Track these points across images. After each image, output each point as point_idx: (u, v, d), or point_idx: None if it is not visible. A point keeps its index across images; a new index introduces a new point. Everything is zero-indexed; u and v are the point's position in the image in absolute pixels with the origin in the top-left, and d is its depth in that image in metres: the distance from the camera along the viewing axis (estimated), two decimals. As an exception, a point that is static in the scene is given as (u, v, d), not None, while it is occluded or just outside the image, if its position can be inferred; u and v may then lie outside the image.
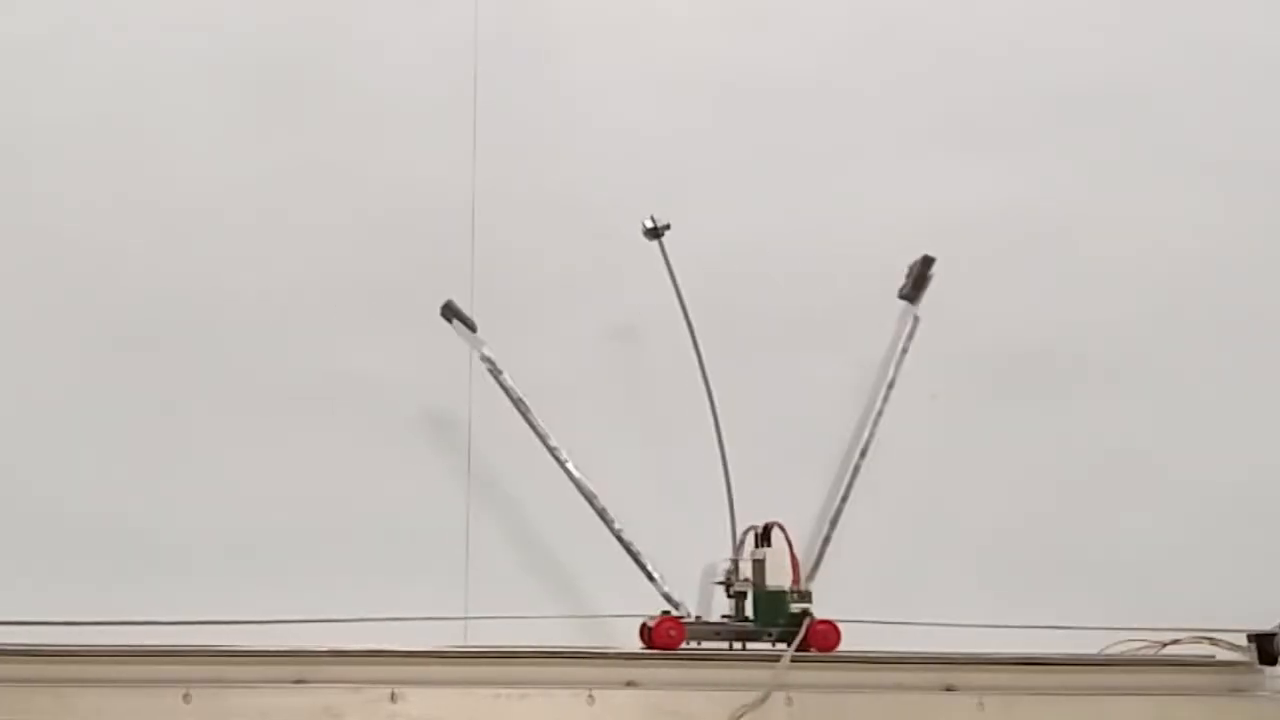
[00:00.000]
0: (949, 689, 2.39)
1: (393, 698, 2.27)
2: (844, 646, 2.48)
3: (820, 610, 2.52)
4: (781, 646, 2.43)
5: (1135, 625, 2.59)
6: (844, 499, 2.64)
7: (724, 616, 2.53)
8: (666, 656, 2.41)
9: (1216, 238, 3.04)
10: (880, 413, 2.71)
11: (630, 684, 2.32)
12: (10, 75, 2.89)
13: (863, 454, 2.69)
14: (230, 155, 2.90)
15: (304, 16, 2.96)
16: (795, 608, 2.49)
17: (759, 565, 2.53)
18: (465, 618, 2.56)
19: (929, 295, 2.93)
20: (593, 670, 2.32)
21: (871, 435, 2.69)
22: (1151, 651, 2.56)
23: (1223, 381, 2.99)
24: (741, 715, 2.28)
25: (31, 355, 2.79)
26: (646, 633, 2.46)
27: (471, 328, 2.63)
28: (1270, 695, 2.46)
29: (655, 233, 2.65)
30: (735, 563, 2.54)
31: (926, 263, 2.71)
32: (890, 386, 2.73)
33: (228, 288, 2.78)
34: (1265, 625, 2.49)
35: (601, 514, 2.54)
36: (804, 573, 2.54)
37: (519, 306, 2.84)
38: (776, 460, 2.81)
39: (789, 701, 2.33)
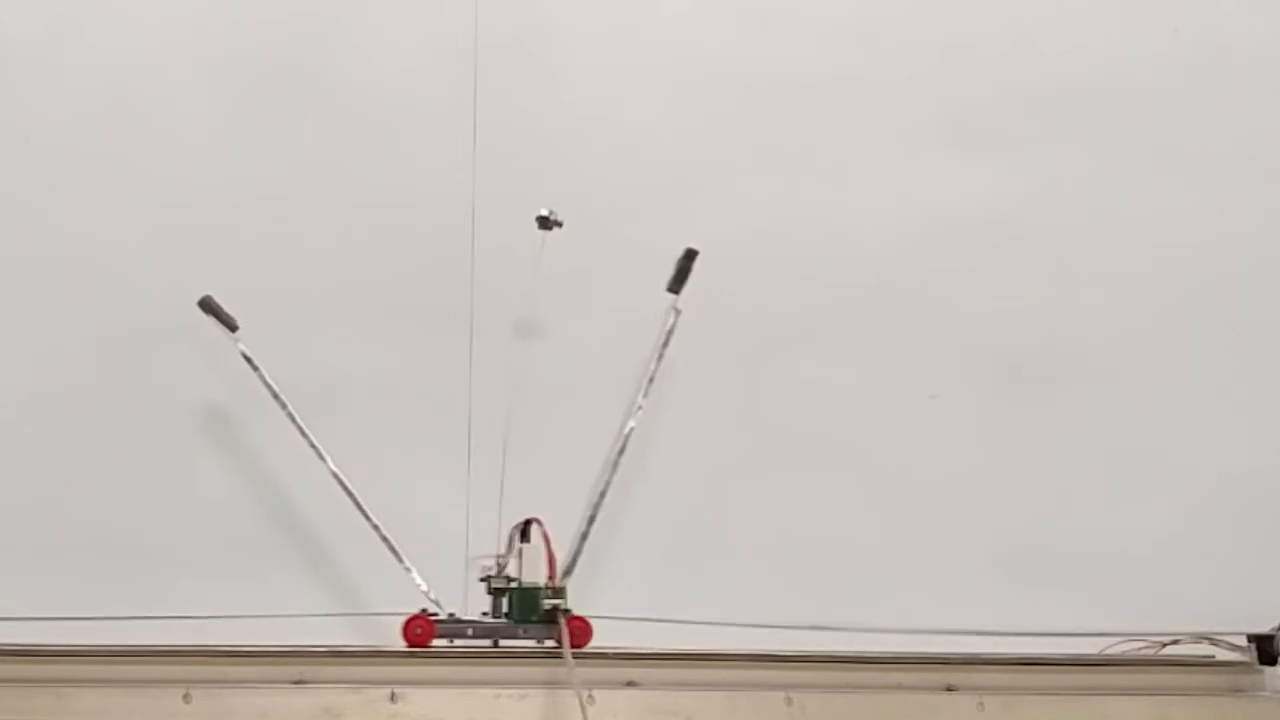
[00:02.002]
0: (949, 689, 2.38)
1: (393, 698, 2.26)
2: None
3: (825, 618, 2.53)
4: (550, 644, 2.39)
5: (1135, 625, 2.58)
6: (602, 494, 2.55)
7: (483, 613, 2.47)
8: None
9: (1217, 237, 3.04)
10: (640, 407, 2.62)
11: (630, 684, 2.32)
12: (10, 75, 2.90)
13: (621, 451, 2.59)
14: (230, 155, 2.90)
15: (304, 16, 2.96)
16: (548, 604, 2.43)
17: (518, 562, 2.47)
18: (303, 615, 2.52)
19: (929, 295, 2.94)
20: (593, 670, 2.31)
21: (631, 431, 2.60)
22: (1151, 652, 2.56)
23: (1223, 381, 2.99)
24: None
25: (31, 354, 2.80)
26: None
27: (232, 328, 2.61)
28: (1270, 695, 2.46)
29: (547, 224, 2.64)
30: (498, 560, 2.49)
31: (689, 255, 2.65)
32: (651, 381, 2.63)
33: (227, 287, 2.77)
34: (1265, 625, 2.49)
35: (362, 510, 2.53)
36: (560, 569, 2.47)
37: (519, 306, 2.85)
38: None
39: (789, 701, 2.33)
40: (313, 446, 2.57)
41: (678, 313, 2.64)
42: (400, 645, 2.41)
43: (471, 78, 2.93)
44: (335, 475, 2.56)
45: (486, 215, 2.88)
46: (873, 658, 2.43)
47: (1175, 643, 2.54)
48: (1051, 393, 2.97)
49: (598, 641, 2.40)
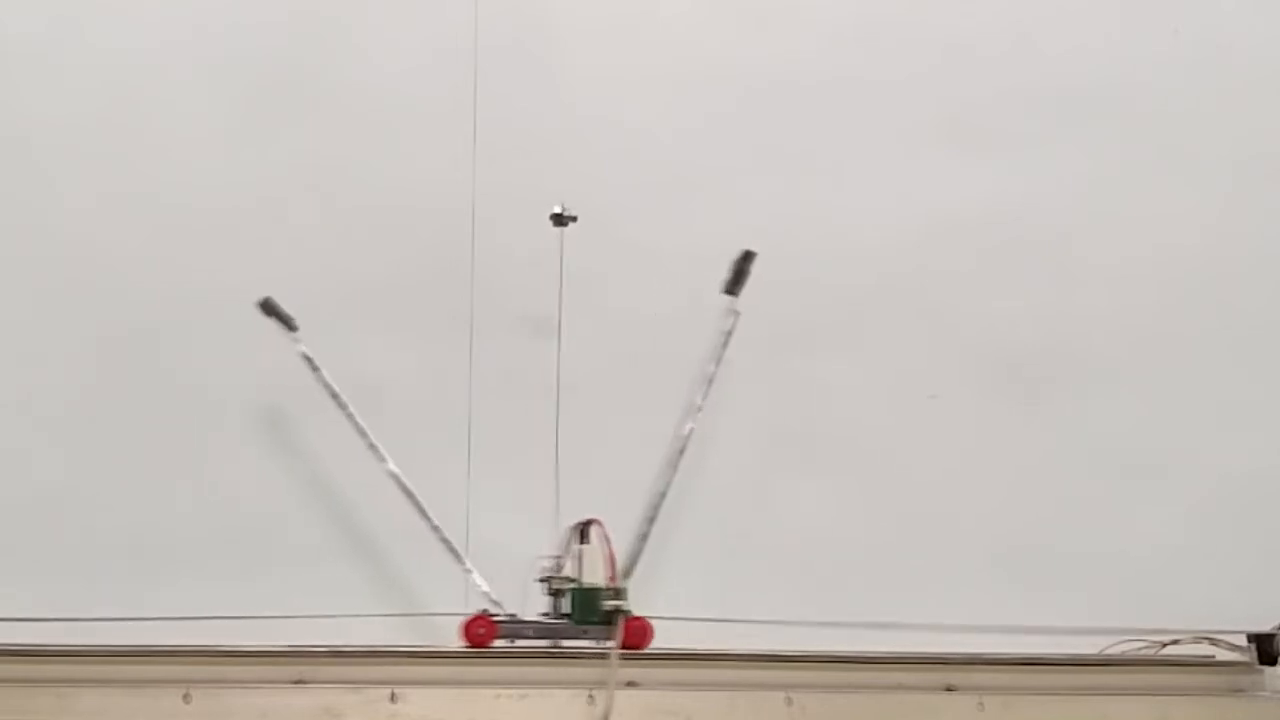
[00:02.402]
0: (949, 689, 2.38)
1: (393, 698, 2.26)
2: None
3: (814, 613, 2.53)
4: (610, 644, 2.38)
5: (1135, 625, 2.59)
6: (663, 495, 2.56)
7: (542, 614, 2.47)
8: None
9: (1217, 237, 3.04)
10: (700, 408, 2.61)
11: (630, 684, 2.32)
12: (10, 75, 2.90)
13: (681, 451, 2.59)
14: (230, 155, 2.90)
15: (304, 16, 2.96)
16: (608, 605, 2.42)
17: (578, 563, 2.47)
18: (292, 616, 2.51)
19: (929, 295, 2.94)
20: (593, 670, 2.31)
21: (691, 431, 2.60)
22: (1151, 652, 2.56)
23: (1223, 381, 2.99)
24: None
25: (32, 354, 2.80)
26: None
27: (291, 327, 2.60)
28: (1270, 695, 2.46)
29: (561, 220, 2.63)
30: (557, 561, 2.49)
31: (747, 257, 2.65)
32: (710, 383, 2.62)
33: (227, 287, 2.78)
34: (1265, 625, 2.49)
35: (422, 511, 2.53)
36: (620, 570, 2.46)
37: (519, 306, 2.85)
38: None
39: (789, 701, 2.33)
40: (372, 447, 2.54)
41: (736, 314, 2.62)
42: (459, 645, 2.40)
43: (471, 78, 2.93)
44: (395, 476, 2.54)
45: (486, 215, 2.88)
46: (873, 658, 2.43)
47: (1175, 643, 2.54)
48: (1051, 393, 2.97)
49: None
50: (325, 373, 2.57)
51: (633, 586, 2.45)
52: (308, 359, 2.57)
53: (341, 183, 2.91)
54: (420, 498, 2.53)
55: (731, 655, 2.43)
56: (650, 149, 2.98)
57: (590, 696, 2.27)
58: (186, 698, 2.23)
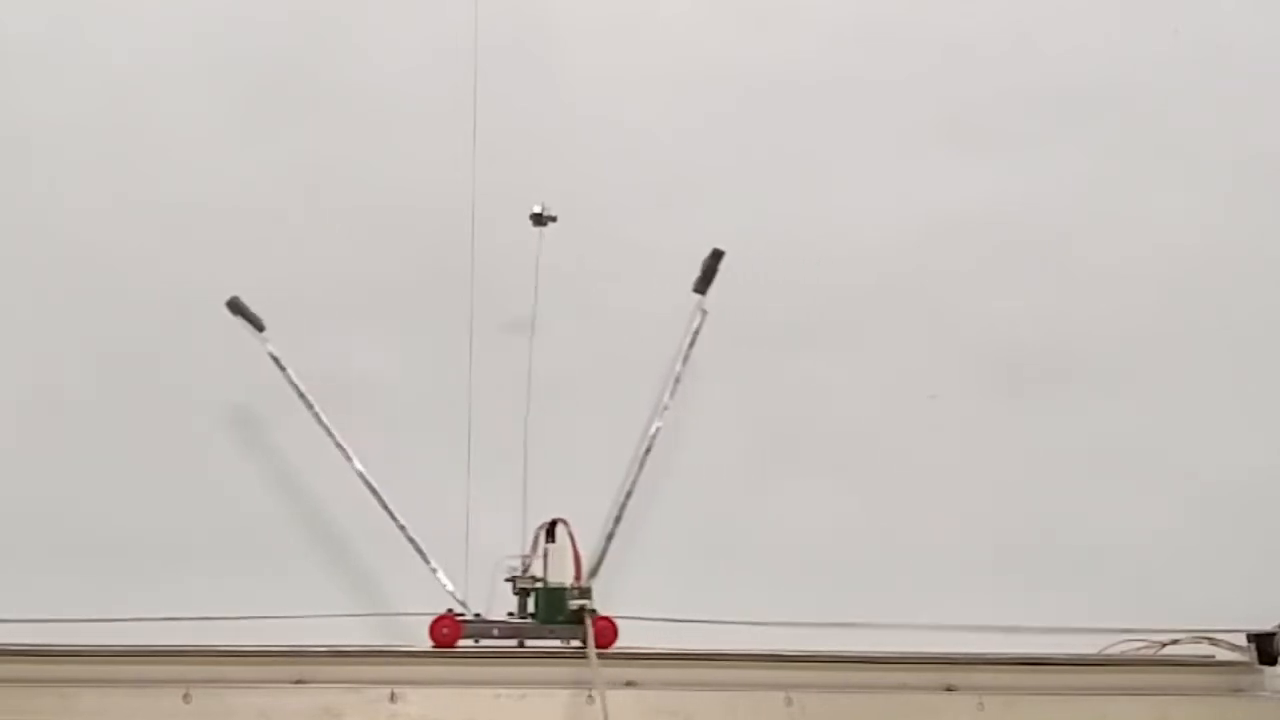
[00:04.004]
0: (949, 689, 2.38)
1: (393, 698, 2.27)
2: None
3: (814, 613, 2.53)
4: (575, 644, 2.39)
5: (1135, 625, 2.59)
6: (629, 494, 2.58)
7: (509, 614, 2.48)
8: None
9: (1217, 237, 3.04)
10: (666, 406, 2.63)
11: (630, 684, 2.32)
12: (9, 74, 2.90)
13: (648, 450, 2.61)
14: (230, 155, 2.90)
15: (304, 16, 2.96)
16: (574, 604, 2.43)
17: (544, 562, 2.48)
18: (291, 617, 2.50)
19: (929, 295, 2.94)
20: (592, 670, 2.31)
21: (657, 431, 2.62)
22: (1151, 652, 2.56)
23: (1223, 381, 2.99)
24: None
25: (32, 354, 2.80)
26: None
27: (259, 327, 2.61)
28: (1270, 695, 2.46)
29: (540, 220, 2.63)
30: (524, 560, 2.49)
31: (715, 256, 2.66)
32: (677, 381, 2.64)
33: (227, 287, 2.77)
34: (1265, 625, 2.49)
35: (389, 511, 2.54)
36: (586, 569, 2.48)
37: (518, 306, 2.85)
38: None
39: (789, 702, 2.33)
40: (339, 447, 2.56)
41: (704, 313, 2.65)
42: (426, 645, 2.41)
43: (471, 78, 2.93)
44: (361, 475, 2.56)
45: (486, 215, 2.88)
46: (873, 658, 2.43)
47: (1175, 642, 2.55)
48: (1051, 393, 2.97)
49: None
50: (292, 372, 2.58)
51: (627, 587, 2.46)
52: (275, 359, 2.59)
53: (341, 182, 2.91)
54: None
55: (731, 655, 2.44)
56: (650, 149, 2.98)
57: (590, 697, 2.28)
58: (186, 698, 2.24)
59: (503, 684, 2.31)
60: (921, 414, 2.94)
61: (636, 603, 2.46)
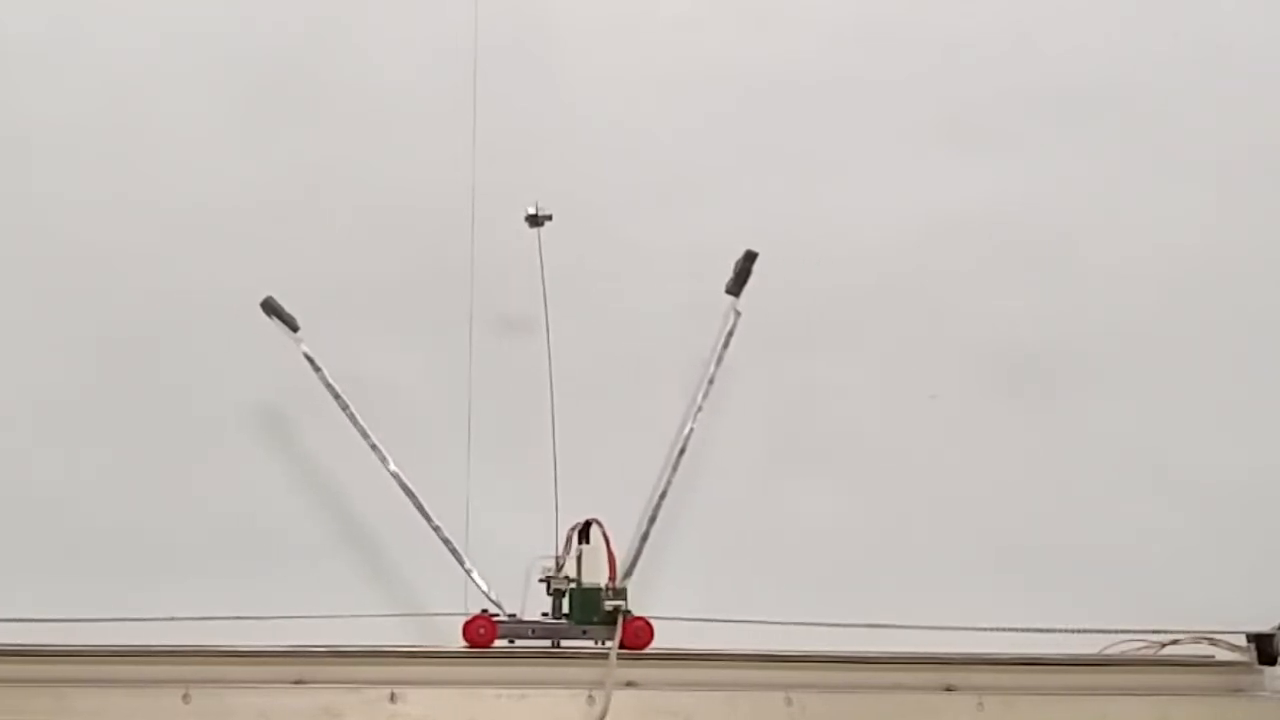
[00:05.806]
0: (949, 689, 2.38)
1: (392, 698, 2.27)
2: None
3: (814, 613, 2.52)
4: (609, 645, 2.39)
5: (1135, 625, 2.59)
6: (663, 495, 2.57)
7: (543, 614, 2.48)
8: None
9: (1217, 237, 3.04)
10: (700, 408, 2.62)
11: (630, 684, 2.32)
12: (9, 74, 2.90)
13: (681, 451, 2.60)
14: (230, 155, 2.90)
15: (304, 16, 2.96)
16: (609, 605, 2.43)
17: (578, 563, 2.48)
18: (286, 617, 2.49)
19: (929, 295, 2.94)
20: (592, 670, 2.31)
21: (691, 432, 2.61)
22: (1151, 652, 2.56)
23: (1223, 381, 2.99)
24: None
25: (32, 355, 2.80)
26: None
27: (293, 327, 2.59)
28: (1270, 695, 2.46)
29: (536, 220, 2.63)
30: (557, 560, 2.49)
31: (749, 257, 2.65)
32: (710, 383, 2.63)
33: (227, 287, 2.78)
34: (1265, 625, 2.49)
35: (423, 511, 2.53)
36: (620, 570, 2.47)
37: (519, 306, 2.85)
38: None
39: (789, 701, 2.33)
40: (374, 447, 2.55)
41: (738, 314, 2.64)
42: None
43: (471, 78, 2.94)
44: (397, 477, 2.54)
45: (486, 215, 2.88)
46: (873, 658, 2.43)
47: (1175, 643, 2.55)
48: (1051, 392, 2.97)
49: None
50: (326, 372, 2.57)
51: (632, 586, 2.46)
52: (309, 359, 2.57)
53: (341, 182, 2.91)
54: (421, 498, 2.53)
55: (731, 655, 2.43)
56: (650, 149, 2.98)
57: (590, 696, 2.28)
58: (186, 698, 2.24)
59: (503, 684, 2.30)
60: (921, 414, 2.94)
61: (635, 603, 2.46)
